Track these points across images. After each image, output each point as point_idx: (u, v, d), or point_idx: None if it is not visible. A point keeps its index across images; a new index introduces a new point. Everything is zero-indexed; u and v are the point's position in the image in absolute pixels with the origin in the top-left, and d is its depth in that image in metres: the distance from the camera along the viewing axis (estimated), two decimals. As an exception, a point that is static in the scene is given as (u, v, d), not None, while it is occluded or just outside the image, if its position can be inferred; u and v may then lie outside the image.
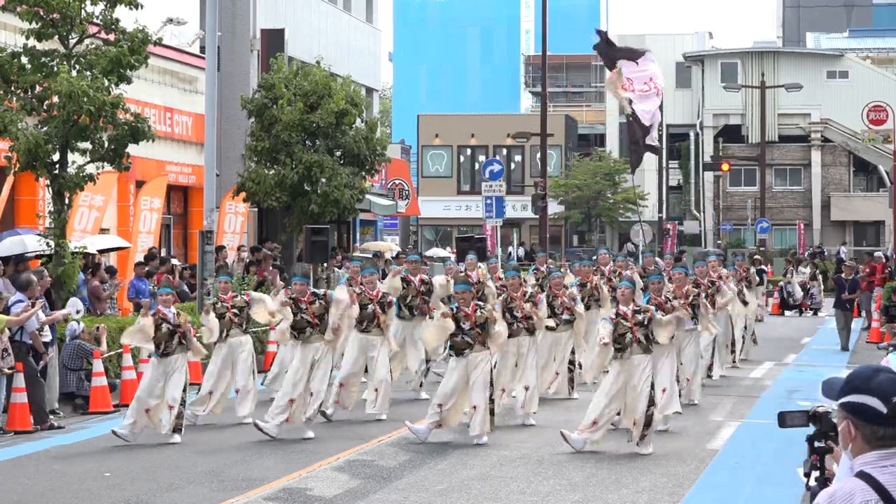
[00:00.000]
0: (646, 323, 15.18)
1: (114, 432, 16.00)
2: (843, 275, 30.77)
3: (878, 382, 4.35)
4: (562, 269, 21.69)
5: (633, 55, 24.04)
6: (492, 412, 15.69)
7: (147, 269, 24.89)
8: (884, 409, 4.31)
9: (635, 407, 14.98)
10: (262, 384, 19.65)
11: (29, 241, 22.46)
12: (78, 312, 19.90)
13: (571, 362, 19.78)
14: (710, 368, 22.23)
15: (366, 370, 18.15)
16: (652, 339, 15.28)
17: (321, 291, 16.60)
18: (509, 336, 16.78)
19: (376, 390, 17.68)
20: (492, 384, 15.72)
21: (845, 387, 4.41)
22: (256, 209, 36.96)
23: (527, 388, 17.32)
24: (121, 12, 22.20)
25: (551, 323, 18.46)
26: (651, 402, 15.08)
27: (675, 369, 17.02)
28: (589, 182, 67.78)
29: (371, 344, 17.73)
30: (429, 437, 15.74)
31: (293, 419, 16.09)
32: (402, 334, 19.84)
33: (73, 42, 21.84)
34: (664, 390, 16.57)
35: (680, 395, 17.29)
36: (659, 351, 16.39)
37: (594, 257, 24.34)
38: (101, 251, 25.61)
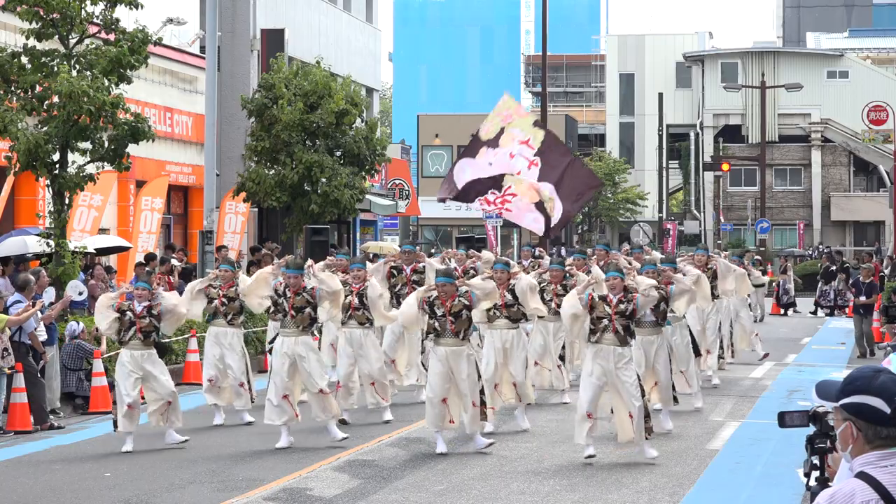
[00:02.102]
0: (628, 313, 14.61)
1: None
2: (860, 277, 29.38)
3: (880, 383, 4.36)
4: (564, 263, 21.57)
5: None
6: (483, 403, 15.33)
7: (147, 269, 24.88)
8: (887, 410, 4.32)
9: (624, 401, 14.48)
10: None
11: (31, 242, 22.46)
12: (80, 294, 19.91)
13: (561, 357, 19.69)
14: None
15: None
16: (631, 332, 14.75)
17: (310, 286, 16.20)
18: (490, 323, 16.83)
19: (373, 384, 17.48)
20: (479, 378, 15.33)
21: (846, 388, 4.41)
22: (256, 209, 36.97)
23: (514, 385, 16.94)
24: (121, 12, 22.20)
25: (542, 311, 17.75)
26: (642, 393, 14.57)
27: (668, 364, 16.79)
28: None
29: (354, 336, 17.52)
30: (443, 445, 15.23)
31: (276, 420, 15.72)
32: (398, 331, 19.79)
33: (73, 42, 21.84)
34: (656, 382, 16.49)
35: (674, 389, 17.11)
36: (648, 345, 16.34)
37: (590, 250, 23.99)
38: (102, 251, 25.59)
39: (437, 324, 15.18)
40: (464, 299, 15.18)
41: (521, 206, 19.21)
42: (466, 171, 19.73)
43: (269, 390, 15.82)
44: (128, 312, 15.78)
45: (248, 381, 17.85)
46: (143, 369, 15.77)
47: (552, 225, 19.63)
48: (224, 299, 17.74)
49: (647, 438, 14.55)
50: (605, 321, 14.52)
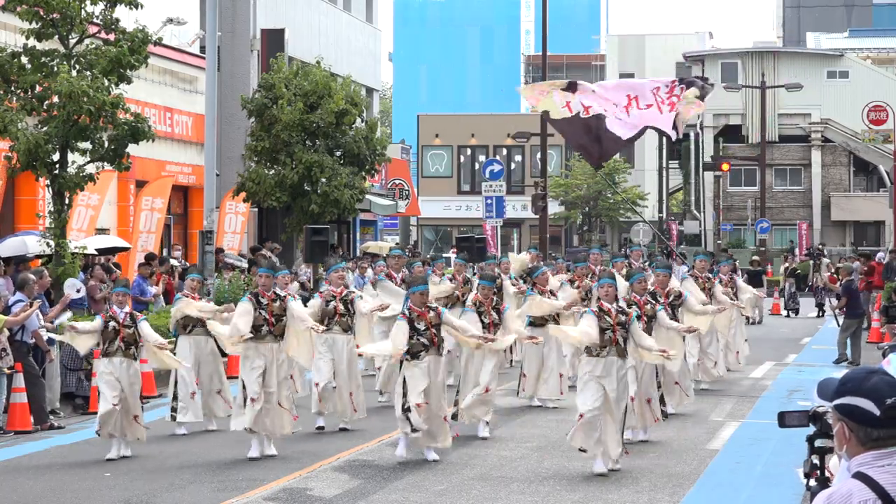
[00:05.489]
0: (627, 326, 14.11)
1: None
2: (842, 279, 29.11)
3: (871, 384, 4.37)
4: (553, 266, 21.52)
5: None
6: (455, 416, 14.97)
7: (151, 269, 24.92)
8: (877, 412, 4.33)
9: (613, 416, 13.88)
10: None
11: (30, 242, 22.48)
12: (79, 291, 19.86)
13: None
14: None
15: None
16: (628, 344, 14.25)
17: (282, 293, 15.71)
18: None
19: (351, 395, 16.96)
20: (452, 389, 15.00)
21: (839, 389, 4.43)
22: (256, 209, 36.98)
23: (487, 390, 16.43)
24: (121, 12, 22.22)
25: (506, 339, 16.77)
26: (626, 410, 14.08)
27: (654, 376, 16.34)
28: (588, 181, 67.84)
29: (336, 343, 16.99)
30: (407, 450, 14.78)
31: (260, 428, 15.17)
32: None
33: (73, 42, 21.85)
34: (649, 400, 15.91)
35: (663, 404, 16.83)
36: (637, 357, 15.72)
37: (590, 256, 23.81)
38: (101, 252, 25.59)
39: (423, 339, 14.63)
40: (433, 312, 14.81)
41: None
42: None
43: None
44: (111, 322, 15.37)
45: (224, 387, 17.45)
46: (123, 379, 15.23)
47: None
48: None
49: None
50: (609, 332, 13.98)
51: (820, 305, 41.63)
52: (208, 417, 17.45)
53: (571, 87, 20.97)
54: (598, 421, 13.81)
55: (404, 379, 14.74)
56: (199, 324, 17.26)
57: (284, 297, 15.58)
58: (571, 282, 21.09)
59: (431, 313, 14.76)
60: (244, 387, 15.21)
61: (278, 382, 15.26)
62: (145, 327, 15.55)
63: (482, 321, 16.35)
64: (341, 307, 17.03)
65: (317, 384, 17.04)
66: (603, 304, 14.19)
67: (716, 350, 21.91)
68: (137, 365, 15.56)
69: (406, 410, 14.56)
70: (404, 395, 14.65)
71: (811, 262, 45.57)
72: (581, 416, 13.86)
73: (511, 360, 23.35)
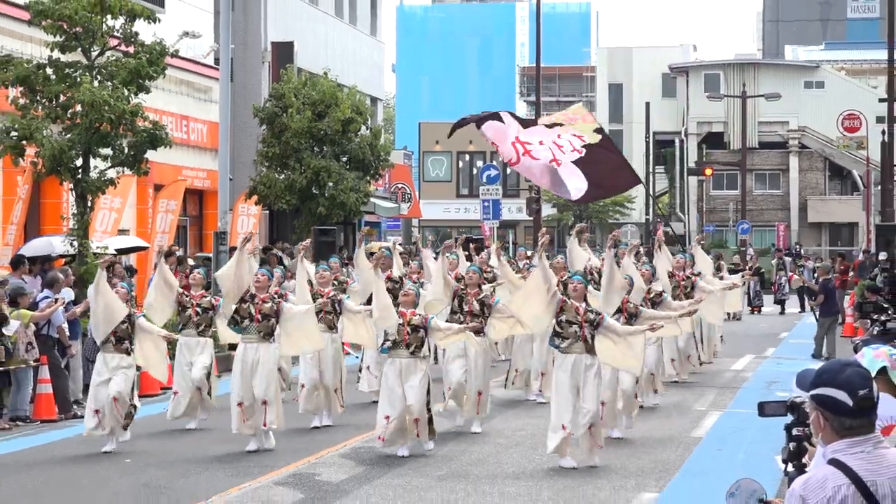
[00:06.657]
0: (596, 324, 13.37)
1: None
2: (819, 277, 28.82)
3: (846, 376, 4.40)
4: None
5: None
6: (430, 420, 14.42)
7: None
8: (850, 402, 4.36)
9: (587, 412, 13.21)
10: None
11: (56, 242, 22.50)
12: None
13: None
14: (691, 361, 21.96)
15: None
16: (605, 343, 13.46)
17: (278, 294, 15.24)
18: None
19: (336, 391, 16.57)
20: (428, 392, 14.11)
21: (815, 380, 4.46)
22: (267, 211, 36.99)
23: (480, 394, 16.00)
24: (140, 26, 22.24)
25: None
26: (602, 404, 13.50)
27: (633, 381, 15.67)
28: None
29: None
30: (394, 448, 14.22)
31: (242, 429, 14.59)
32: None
33: (95, 54, 21.89)
34: (603, 403, 14.39)
35: (640, 401, 16.62)
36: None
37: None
38: (121, 251, 25.58)
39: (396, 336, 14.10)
40: (419, 316, 14.23)
41: (542, 166, 17.98)
42: (509, 126, 18.33)
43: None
44: None
45: (210, 388, 16.63)
46: (111, 372, 14.85)
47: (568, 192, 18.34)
48: (198, 308, 16.58)
49: (600, 447, 13.59)
50: (576, 327, 13.32)
51: (780, 302, 41.92)
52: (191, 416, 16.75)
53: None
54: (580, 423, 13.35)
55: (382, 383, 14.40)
56: (191, 324, 16.54)
57: (279, 302, 14.92)
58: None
59: (417, 317, 14.18)
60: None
61: (267, 381, 14.59)
62: (143, 322, 15.22)
63: (461, 308, 15.88)
64: (328, 305, 16.61)
65: (303, 385, 16.51)
66: (573, 303, 13.47)
67: (690, 345, 21.72)
68: (131, 359, 15.02)
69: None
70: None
71: (777, 261, 45.59)
72: (564, 427, 13.22)
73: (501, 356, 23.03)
